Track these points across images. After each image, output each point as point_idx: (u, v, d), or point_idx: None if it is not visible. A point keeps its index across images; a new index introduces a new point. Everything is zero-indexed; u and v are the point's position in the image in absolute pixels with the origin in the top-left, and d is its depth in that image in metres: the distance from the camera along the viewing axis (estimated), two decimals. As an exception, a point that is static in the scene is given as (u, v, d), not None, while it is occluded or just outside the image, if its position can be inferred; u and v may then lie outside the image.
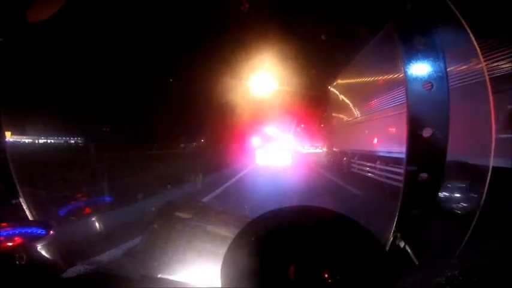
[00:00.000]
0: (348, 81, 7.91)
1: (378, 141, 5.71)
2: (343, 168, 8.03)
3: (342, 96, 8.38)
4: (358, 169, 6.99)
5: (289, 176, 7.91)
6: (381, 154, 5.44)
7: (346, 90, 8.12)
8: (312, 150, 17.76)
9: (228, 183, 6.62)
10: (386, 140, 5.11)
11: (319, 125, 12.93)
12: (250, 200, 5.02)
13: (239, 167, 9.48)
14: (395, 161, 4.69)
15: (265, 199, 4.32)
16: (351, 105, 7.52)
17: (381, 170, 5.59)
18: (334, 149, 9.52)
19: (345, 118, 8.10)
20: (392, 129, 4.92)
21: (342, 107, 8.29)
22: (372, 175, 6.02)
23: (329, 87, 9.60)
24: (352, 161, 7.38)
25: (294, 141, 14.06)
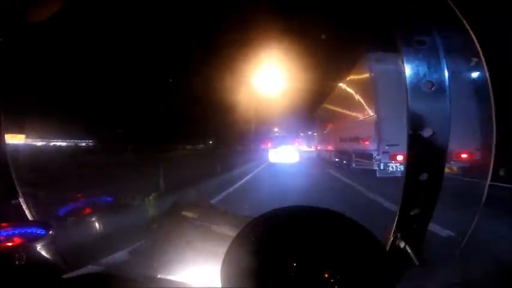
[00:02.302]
0: (323, 112, 15.22)
1: (327, 144, 13.76)
2: (321, 157, 16.03)
3: (319, 122, 17.11)
4: (323, 156, 15.12)
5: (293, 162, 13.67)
6: (330, 150, 12.92)
7: (321, 117, 15.97)
8: (308, 149, 26.30)
9: (246, 178, 7.91)
10: (329, 144, 13.04)
11: (311, 133, 22.01)
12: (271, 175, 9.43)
13: (253, 166, 11.95)
14: (331, 152, 12.43)
15: (279, 173, 9.47)
16: (321, 126, 15.96)
17: (331, 156, 12.54)
18: (318, 148, 18.07)
19: (320, 132, 16.69)
20: (330, 140, 12.74)
21: (319, 126, 16.87)
22: (329, 159, 13.02)
23: (316, 111, 17.85)
24: (323, 153, 15.24)
25: (299, 143, 19.83)
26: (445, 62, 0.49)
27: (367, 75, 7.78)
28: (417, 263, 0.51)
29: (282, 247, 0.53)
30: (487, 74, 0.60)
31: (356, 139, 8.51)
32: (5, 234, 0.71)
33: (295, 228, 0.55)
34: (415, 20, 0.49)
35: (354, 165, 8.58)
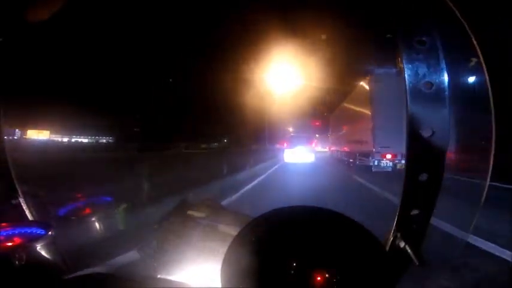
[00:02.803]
0: (334, 119, 18.92)
1: (338, 146, 16.43)
2: (333, 157, 18.33)
3: (331, 127, 20.61)
4: (335, 156, 17.35)
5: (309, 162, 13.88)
6: (340, 150, 15.48)
7: (333, 124, 19.50)
8: (322, 149, 27.77)
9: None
10: (340, 145, 15.78)
11: (326, 135, 24.02)
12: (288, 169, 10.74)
13: (266, 166, 11.47)
14: (341, 152, 15.05)
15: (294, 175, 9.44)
16: (333, 131, 19.34)
17: (342, 156, 14.72)
18: (331, 149, 20.87)
19: (333, 135, 20.00)
20: (340, 142, 15.71)
21: (332, 131, 20.36)
22: (340, 158, 15.42)
23: (330, 115, 21.53)
24: (335, 153, 17.67)
25: (315, 143, 21.11)
26: (444, 63, 0.49)
27: (367, 93, 10.08)
28: (417, 263, 0.51)
29: (282, 247, 0.53)
30: (486, 75, 0.60)
31: (359, 142, 11.10)
32: (5, 234, 0.71)
33: (296, 228, 0.55)
34: (415, 20, 0.49)
35: (358, 162, 11.12)
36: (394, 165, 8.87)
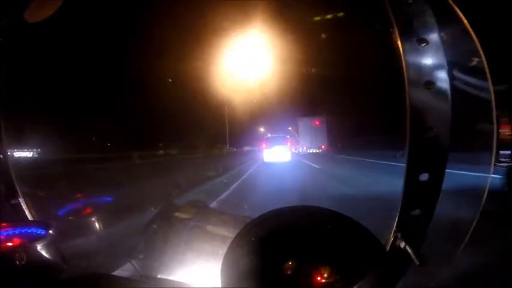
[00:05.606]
0: (293, 129, 33.29)
1: (293, 145, 27.85)
2: (292, 151, 24.23)
3: (294, 132, 31.65)
4: (293, 151, 24.05)
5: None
6: (294, 147, 28.18)
7: (296, 131, 31.08)
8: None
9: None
10: (293, 145, 27.52)
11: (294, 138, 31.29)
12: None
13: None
14: (295, 148, 28.50)
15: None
16: (296, 135, 30.67)
17: (295, 149, 27.65)
18: (295, 147, 28.64)
19: (297, 137, 29.78)
20: (294, 143, 28.90)
21: (296, 134, 30.44)
22: (295, 151, 26.77)
23: (289, 127, 35.23)
24: (299, 150, 28.34)
25: (291, 143, 24.55)
26: (445, 62, 0.48)
27: (296, 124, 29.06)
28: (417, 263, 0.51)
29: (282, 247, 0.53)
30: (488, 74, 0.59)
31: (297, 143, 28.07)
32: (5, 234, 0.71)
33: (295, 228, 0.55)
34: (416, 19, 0.49)
35: (299, 152, 25.98)
36: (307, 151, 25.24)
